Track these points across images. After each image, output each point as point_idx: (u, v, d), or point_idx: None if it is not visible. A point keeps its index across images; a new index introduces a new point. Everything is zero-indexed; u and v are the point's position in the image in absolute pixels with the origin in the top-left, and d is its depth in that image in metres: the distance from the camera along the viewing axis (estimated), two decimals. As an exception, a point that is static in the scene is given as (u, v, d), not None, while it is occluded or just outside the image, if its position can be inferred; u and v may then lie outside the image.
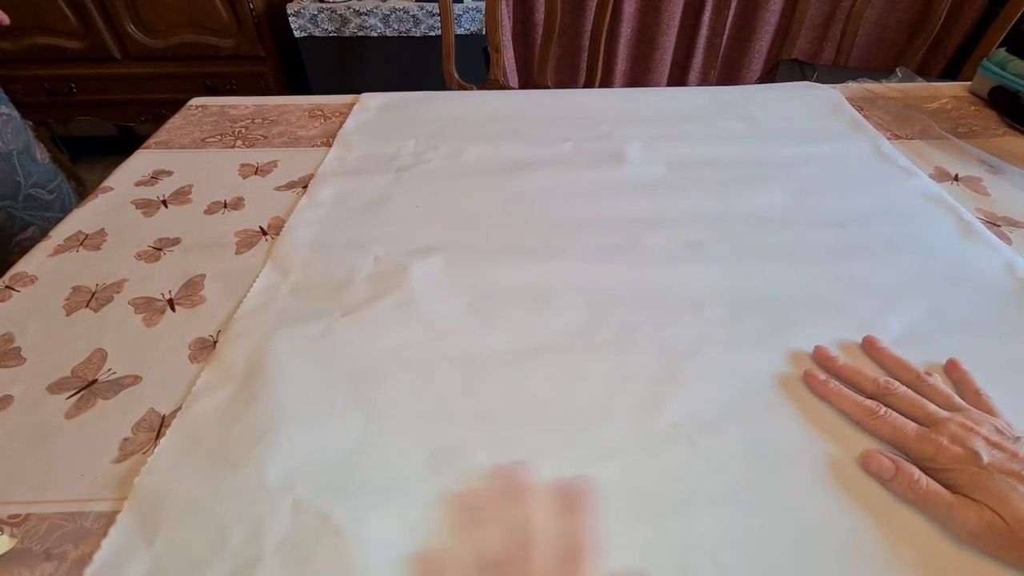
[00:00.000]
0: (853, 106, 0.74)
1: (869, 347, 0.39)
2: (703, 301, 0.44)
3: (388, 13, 1.36)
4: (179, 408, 0.36)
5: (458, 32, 1.36)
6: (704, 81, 1.70)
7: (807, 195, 0.56)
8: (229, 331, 0.42)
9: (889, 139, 0.66)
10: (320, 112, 0.75)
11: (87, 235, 0.53)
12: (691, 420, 0.35)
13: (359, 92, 0.78)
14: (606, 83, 1.68)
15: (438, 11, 1.28)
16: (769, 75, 1.52)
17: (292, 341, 0.41)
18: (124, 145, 1.57)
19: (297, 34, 1.40)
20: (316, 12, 1.36)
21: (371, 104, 0.75)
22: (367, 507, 0.31)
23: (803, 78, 1.28)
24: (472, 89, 1.18)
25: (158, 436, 0.35)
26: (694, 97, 0.78)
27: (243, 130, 0.71)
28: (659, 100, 0.77)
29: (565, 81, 1.70)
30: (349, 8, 1.36)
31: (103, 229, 0.54)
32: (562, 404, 0.36)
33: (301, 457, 0.33)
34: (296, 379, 0.38)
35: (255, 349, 0.40)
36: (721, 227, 0.52)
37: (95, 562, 0.29)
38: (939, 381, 0.35)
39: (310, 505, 0.31)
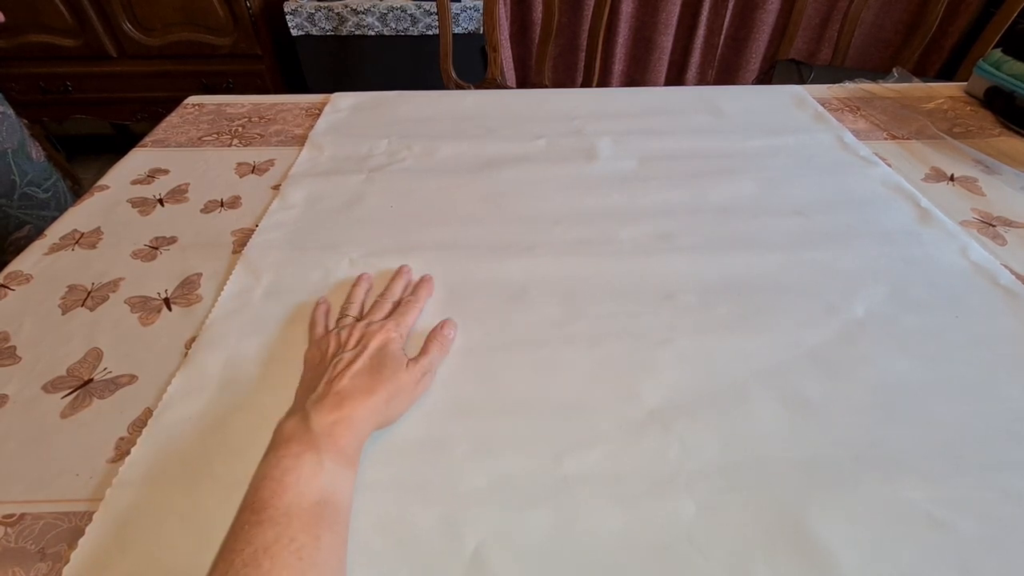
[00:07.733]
0: (849, 106, 0.75)
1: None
2: (675, 291, 0.45)
3: (385, 12, 1.36)
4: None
5: (456, 31, 1.36)
6: (702, 81, 1.70)
7: (773, 185, 0.58)
8: (202, 337, 0.41)
9: (885, 139, 0.67)
10: (317, 111, 0.74)
11: (83, 234, 0.53)
12: (666, 406, 0.36)
13: (357, 91, 0.78)
14: (604, 83, 1.69)
15: (435, 10, 1.28)
16: (766, 75, 1.53)
17: (268, 345, 0.41)
18: (120, 144, 1.57)
19: (294, 32, 1.39)
20: (313, 11, 1.35)
21: (343, 104, 0.75)
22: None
23: (800, 78, 1.29)
24: (469, 88, 1.18)
25: (154, 435, 0.35)
26: (663, 95, 0.79)
27: (240, 129, 0.71)
28: (628, 98, 0.77)
29: (563, 80, 1.70)
30: (346, 7, 1.35)
31: (99, 228, 0.53)
32: (540, 396, 0.37)
33: None
34: (274, 384, 0.37)
35: (230, 355, 0.40)
36: (691, 218, 0.53)
37: (70, 565, 0.28)
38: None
39: None
